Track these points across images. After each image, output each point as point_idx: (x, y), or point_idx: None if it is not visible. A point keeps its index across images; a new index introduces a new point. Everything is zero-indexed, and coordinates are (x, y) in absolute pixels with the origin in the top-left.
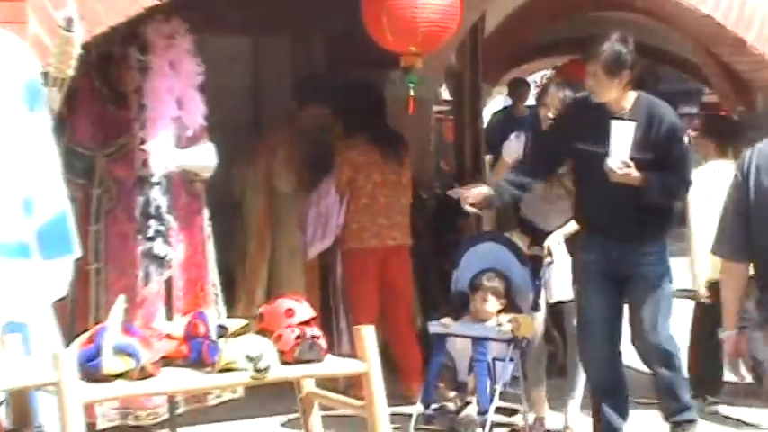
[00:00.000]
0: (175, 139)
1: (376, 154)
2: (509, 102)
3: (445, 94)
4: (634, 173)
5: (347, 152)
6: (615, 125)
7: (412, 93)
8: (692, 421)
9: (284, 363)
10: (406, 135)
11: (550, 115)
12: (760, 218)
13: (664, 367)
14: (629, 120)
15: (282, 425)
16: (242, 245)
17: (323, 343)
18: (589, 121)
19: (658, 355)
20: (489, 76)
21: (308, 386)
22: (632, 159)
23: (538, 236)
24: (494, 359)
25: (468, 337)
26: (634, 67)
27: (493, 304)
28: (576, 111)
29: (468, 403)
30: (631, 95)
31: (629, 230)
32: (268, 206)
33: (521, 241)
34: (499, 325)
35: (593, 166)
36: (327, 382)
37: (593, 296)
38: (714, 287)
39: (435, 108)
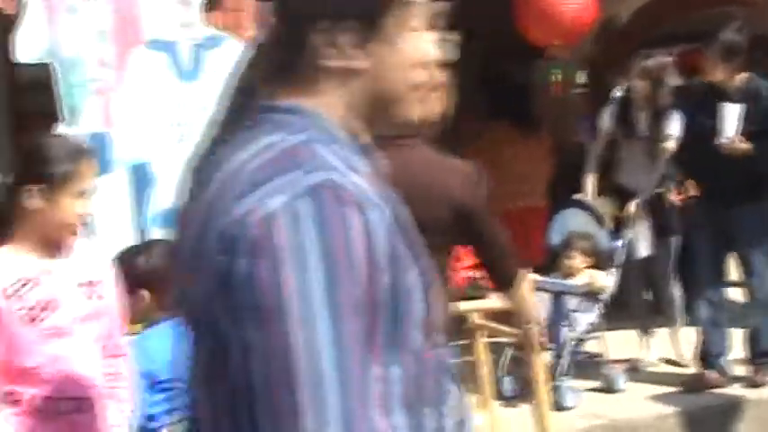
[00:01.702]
0: None
1: (514, 132)
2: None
3: (582, 78)
4: (741, 146)
5: (490, 131)
6: (725, 107)
7: (555, 78)
8: None
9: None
10: (551, 114)
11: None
12: None
13: (761, 310)
14: (737, 102)
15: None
16: None
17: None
18: (708, 100)
19: (759, 300)
20: (620, 63)
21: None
22: (739, 133)
23: (628, 198)
24: (572, 311)
25: (548, 291)
26: (746, 53)
27: (579, 261)
28: (698, 92)
29: (547, 349)
30: (743, 76)
31: (736, 193)
32: None
33: (610, 205)
34: (578, 281)
35: (706, 137)
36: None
37: (704, 246)
38: None
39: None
